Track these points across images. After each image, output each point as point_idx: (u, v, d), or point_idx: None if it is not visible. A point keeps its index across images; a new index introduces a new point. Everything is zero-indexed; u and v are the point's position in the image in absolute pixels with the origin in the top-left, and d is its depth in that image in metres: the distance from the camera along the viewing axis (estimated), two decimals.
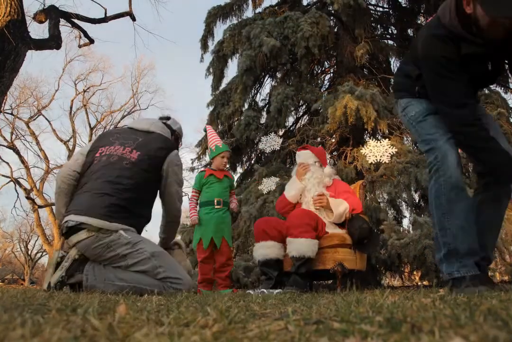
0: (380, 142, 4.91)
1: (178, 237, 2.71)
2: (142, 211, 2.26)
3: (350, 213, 2.97)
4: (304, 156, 3.28)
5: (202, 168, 4.05)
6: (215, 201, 3.27)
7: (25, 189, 18.40)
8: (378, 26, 7.82)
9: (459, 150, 1.76)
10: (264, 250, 2.81)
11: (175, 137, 2.58)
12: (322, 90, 7.00)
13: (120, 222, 2.10)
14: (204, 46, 7.56)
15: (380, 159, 4.79)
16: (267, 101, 7.23)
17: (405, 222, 7.58)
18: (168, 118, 2.66)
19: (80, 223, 2.08)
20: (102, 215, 2.08)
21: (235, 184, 3.66)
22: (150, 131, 2.42)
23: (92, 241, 2.07)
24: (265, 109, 7.13)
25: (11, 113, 18.85)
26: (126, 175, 2.18)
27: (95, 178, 2.22)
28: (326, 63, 7.94)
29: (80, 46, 9.31)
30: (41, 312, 0.84)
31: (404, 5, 7.54)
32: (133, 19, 8.80)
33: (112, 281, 2.06)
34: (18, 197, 19.66)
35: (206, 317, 0.72)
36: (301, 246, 2.62)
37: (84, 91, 21.29)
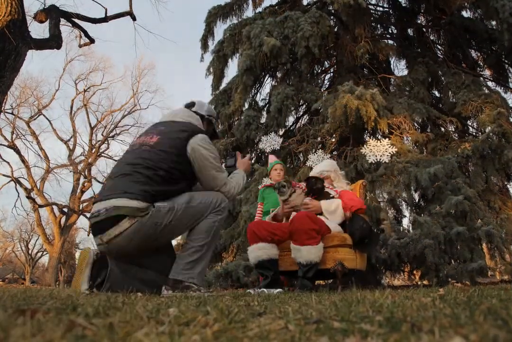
0: (380, 142, 4.91)
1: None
2: (169, 187, 2.06)
3: (351, 212, 2.97)
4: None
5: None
6: (270, 211, 3.44)
7: (25, 189, 18.41)
8: (378, 25, 7.82)
9: None
10: (256, 252, 2.84)
11: (207, 121, 2.44)
12: (322, 90, 7.00)
13: (147, 197, 1.96)
14: (205, 46, 7.56)
15: (380, 159, 4.79)
16: (267, 101, 7.23)
17: (405, 222, 7.58)
18: (193, 104, 2.49)
19: (113, 209, 1.92)
20: (134, 194, 1.94)
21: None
22: (174, 121, 2.32)
23: (136, 228, 1.92)
24: (265, 109, 7.13)
25: (12, 113, 18.88)
26: (145, 156, 2.08)
27: (116, 165, 2.20)
28: (326, 63, 7.95)
29: (80, 46, 9.30)
30: (41, 311, 0.84)
31: (404, 5, 7.54)
32: (134, 19, 8.79)
33: (132, 279, 2.02)
34: (18, 196, 19.71)
35: (206, 316, 0.72)
36: (308, 254, 2.65)
37: (85, 90, 21.31)
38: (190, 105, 2.49)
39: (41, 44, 6.15)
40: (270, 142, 5.79)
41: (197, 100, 2.54)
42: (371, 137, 5.67)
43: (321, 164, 3.56)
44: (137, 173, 2.01)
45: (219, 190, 2.22)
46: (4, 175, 18.94)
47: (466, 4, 6.40)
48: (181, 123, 2.28)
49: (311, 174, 3.45)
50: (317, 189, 3.09)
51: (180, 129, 2.20)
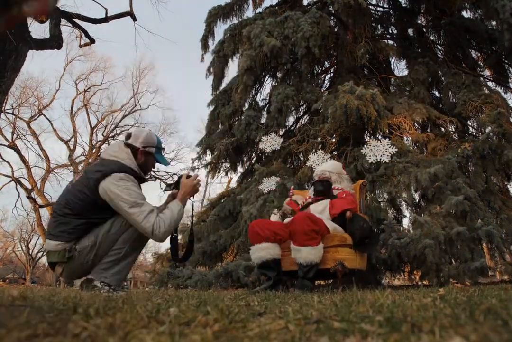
0: (381, 142, 4.91)
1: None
2: (87, 223, 2.24)
3: (351, 212, 2.97)
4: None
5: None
6: None
7: (26, 189, 18.42)
8: (378, 26, 7.81)
9: None
10: (259, 252, 2.83)
11: (144, 152, 2.37)
12: (322, 90, 7.00)
13: (67, 237, 2.20)
14: (205, 46, 7.56)
15: (380, 159, 4.79)
16: (267, 101, 7.23)
17: (405, 222, 7.58)
18: (129, 136, 2.42)
19: (48, 254, 2.30)
20: (55, 236, 2.22)
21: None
22: (102, 158, 2.38)
23: (68, 271, 2.27)
24: (265, 109, 7.13)
25: (12, 113, 18.88)
26: (67, 196, 2.27)
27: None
28: (326, 63, 7.94)
29: (81, 46, 9.33)
30: (42, 311, 0.84)
31: (404, 5, 7.54)
32: (134, 19, 8.80)
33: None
34: (19, 196, 19.70)
35: (206, 316, 0.72)
36: (308, 254, 2.65)
37: (85, 91, 21.31)
38: (126, 138, 2.43)
39: (41, 45, 6.15)
40: (270, 142, 5.79)
41: (135, 130, 2.46)
42: (371, 137, 5.66)
43: (326, 164, 3.59)
44: (59, 214, 2.23)
45: (145, 231, 2.15)
46: (4, 175, 18.95)
47: (466, 4, 6.40)
48: (103, 161, 2.33)
49: (315, 172, 3.49)
50: (321, 191, 3.20)
51: (96, 169, 2.26)
